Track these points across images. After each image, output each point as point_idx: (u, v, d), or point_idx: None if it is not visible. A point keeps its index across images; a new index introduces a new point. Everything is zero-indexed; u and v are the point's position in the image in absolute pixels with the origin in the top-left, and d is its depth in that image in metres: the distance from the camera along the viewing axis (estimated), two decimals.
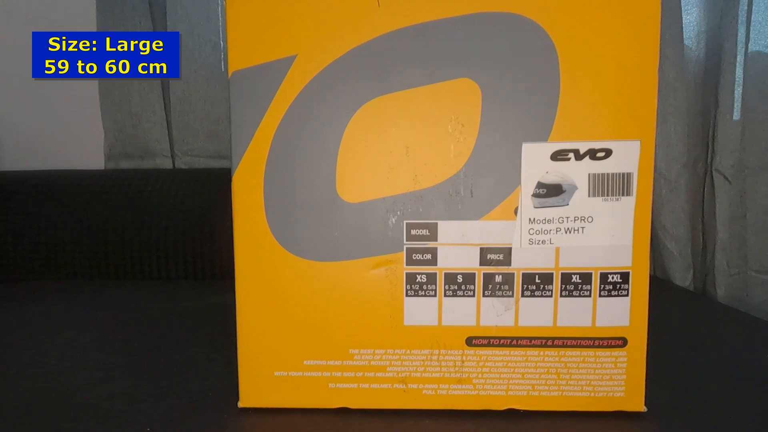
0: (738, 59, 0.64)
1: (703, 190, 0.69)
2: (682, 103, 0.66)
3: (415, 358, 0.26)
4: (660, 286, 0.65)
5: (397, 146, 0.25)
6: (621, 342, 0.25)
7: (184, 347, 0.37)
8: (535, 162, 0.24)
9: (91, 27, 0.72)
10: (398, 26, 0.24)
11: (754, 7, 0.65)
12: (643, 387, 0.26)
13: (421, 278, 0.25)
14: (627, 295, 0.25)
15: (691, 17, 0.69)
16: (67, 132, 0.77)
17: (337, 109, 0.25)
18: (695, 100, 0.69)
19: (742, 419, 0.26)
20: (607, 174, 0.24)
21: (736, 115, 0.65)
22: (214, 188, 0.69)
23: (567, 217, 0.25)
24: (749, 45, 0.65)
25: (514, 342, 0.26)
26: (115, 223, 0.67)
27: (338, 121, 0.25)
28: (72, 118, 0.77)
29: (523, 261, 0.25)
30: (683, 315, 0.49)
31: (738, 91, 0.65)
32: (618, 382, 0.26)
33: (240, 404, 0.27)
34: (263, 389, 0.26)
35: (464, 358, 0.26)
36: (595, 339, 0.25)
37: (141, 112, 0.74)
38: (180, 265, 0.66)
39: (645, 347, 0.25)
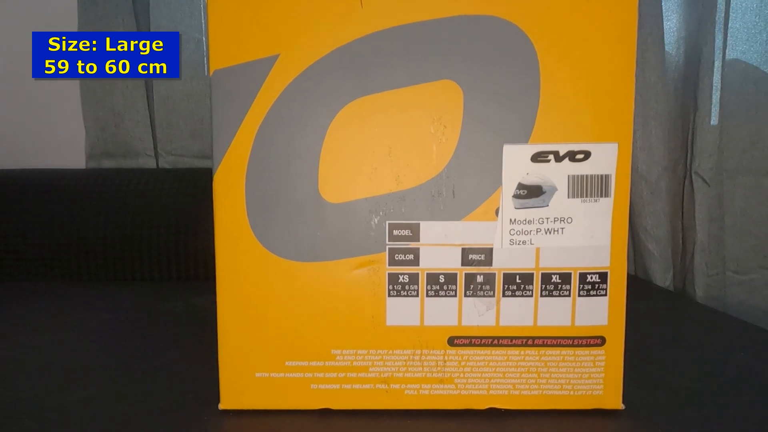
0: (716, 65, 0.66)
1: (683, 193, 0.70)
2: (663, 107, 0.67)
3: (397, 359, 0.26)
4: (640, 287, 0.66)
5: (380, 147, 0.25)
6: (599, 341, 0.26)
7: (167, 348, 0.37)
8: (516, 163, 0.25)
9: (73, 24, 0.71)
10: (381, 27, 0.25)
11: (731, 14, 0.66)
12: (621, 385, 0.26)
13: (403, 278, 0.26)
14: (605, 294, 0.25)
15: (672, 23, 0.70)
16: (46, 130, 0.76)
17: (319, 109, 0.25)
18: (675, 104, 0.70)
19: (717, 416, 0.27)
20: (586, 176, 0.25)
21: (714, 120, 0.67)
22: (198, 188, 0.68)
23: (547, 218, 0.25)
24: (726, 51, 0.67)
25: (496, 342, 0.26)
26: (97, 223, 0.66)
27: (321, 122, 0.25)
28: (52, 117, 0.75)
29: (504, 261, 0.25)
30: (662, 315, 0.50)
31: (716, 95, 0.67)
32: (596, 380, 0.26)
33: (221, 406, 0.26)
34: (244, 391, 0.26)
35: (446, 357, 0.26)
36: (574, 338, 0.26)
37: (124, 111, 0.73)
38: (163, 266, 0.66)
39: (623, 346, 0.26)
